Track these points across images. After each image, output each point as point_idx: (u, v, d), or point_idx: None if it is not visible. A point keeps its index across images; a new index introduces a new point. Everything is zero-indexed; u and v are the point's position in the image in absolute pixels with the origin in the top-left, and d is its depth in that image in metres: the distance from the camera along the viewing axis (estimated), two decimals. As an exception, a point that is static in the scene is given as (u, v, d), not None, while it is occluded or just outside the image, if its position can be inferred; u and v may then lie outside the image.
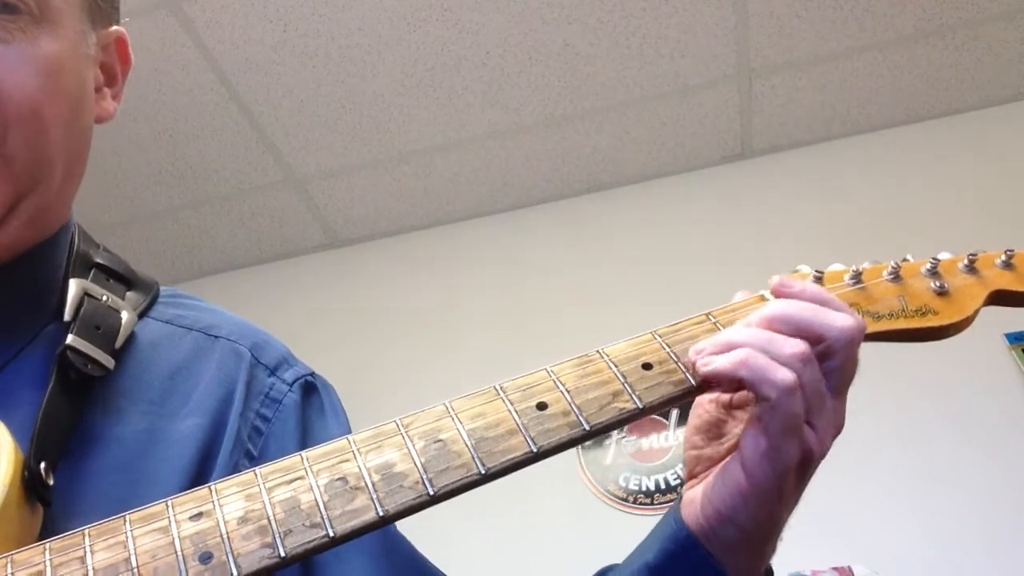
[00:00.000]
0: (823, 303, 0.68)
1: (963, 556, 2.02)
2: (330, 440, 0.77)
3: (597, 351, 0.69)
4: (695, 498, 0.69)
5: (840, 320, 0.66)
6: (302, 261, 3.06)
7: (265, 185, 2.80)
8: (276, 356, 0.83)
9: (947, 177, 2.58)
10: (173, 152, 2.66)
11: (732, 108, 2.64)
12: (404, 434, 0.62)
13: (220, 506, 0.58)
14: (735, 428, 0.70)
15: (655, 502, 2.31)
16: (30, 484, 0.62)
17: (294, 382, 0.81)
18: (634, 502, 2.32)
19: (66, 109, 0.72)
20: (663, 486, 2.33)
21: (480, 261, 2.88)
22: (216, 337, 0.82)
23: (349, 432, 0.82)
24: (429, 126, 2.63)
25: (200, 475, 0.71)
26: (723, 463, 0.68)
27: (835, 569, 1.99)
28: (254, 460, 0.75)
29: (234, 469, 0.72)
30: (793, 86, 2.58)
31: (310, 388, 0.83)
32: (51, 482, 0.64)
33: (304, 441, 0.78)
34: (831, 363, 0.65)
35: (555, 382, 0.65)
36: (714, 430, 0.71)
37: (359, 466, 0.60)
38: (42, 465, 0.64)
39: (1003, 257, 0.78)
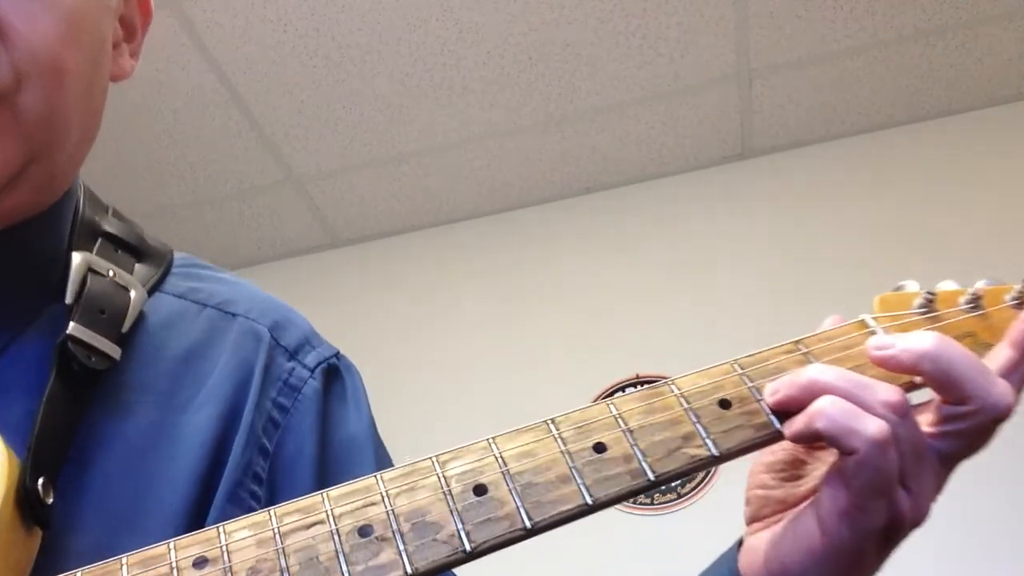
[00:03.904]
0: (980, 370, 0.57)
1: (963, 556, 2.02)
2: (347, 434, 0.72)
3: (666, 382, 0.59)
4: (758, 547, 0.60)
5: (1000, 389, 0.56)
6: (302, 261, 3.06)
7: (265, 185, 2.80)
8: (298, 336, 0.76)
9: (947, 177, 2.58)
10: (173, 152, 2.66)
11: (732, 108, 2.64)
12: (440, 475, 0.54)
13: (228, 552, 0.51)
14: (816, 470, 0.61)
15: (655, 502, 2.31)
16: (26, 504, 0.56)
17: (316, 367, 0.74)
18: (634, 502, 2.32)
19: (86, 63, 0.64)
20: (663, 486, 2.33)
21: (480, 261, 2.88)
22: (233, 315, 0.74)
23: (368, 423, 0.75)
24: (429, 126, 2.63)
25: (211, 476, 0.66)
26: (796, 511, 0.59)
27: (835, 569, 1.98)
28: (269, 457, 0.69)
29: (247, 468, 0.67)
30: (793, 86, 2.58)
31: (333, 373, 0.76)
32: (50, 500, 0.58)
33: (324, 438, 0.71)
34: (959, 425, 0.57)
35: (616, 419, 0.57)
36: (789, 470, 0.62)
37: (387, 512, 0.52)
38: (40, 482, 0.57)
39: None
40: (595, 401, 0.62)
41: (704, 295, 2.56)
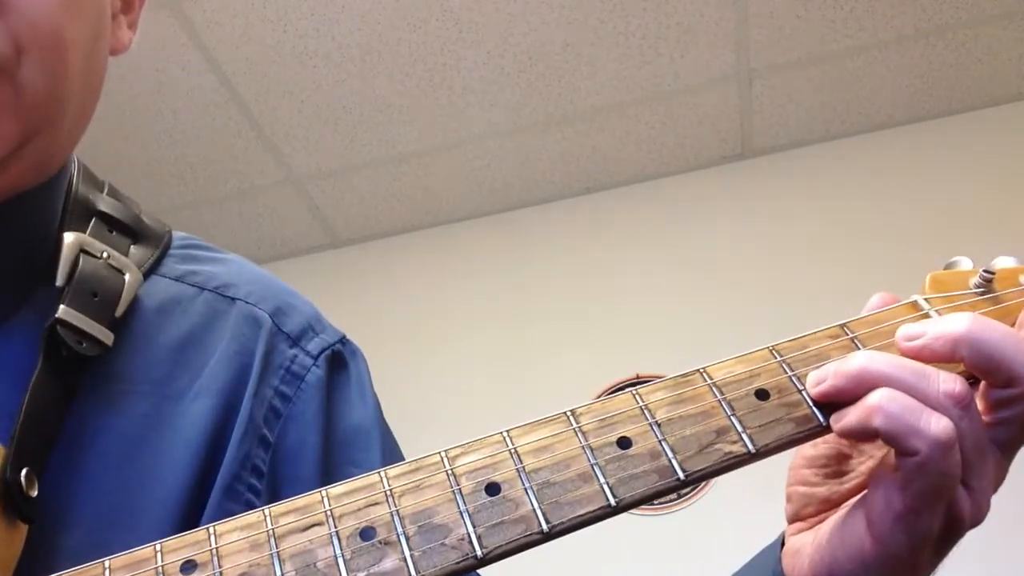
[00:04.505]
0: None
1: (961, 559, 2.02)
2: (352, 423, 0.69)
3: (698, 371, 0.54)
4: (802, 550, 0.56)
5: None
6: (302, 261, 3.06)
7: (265, 185, 2.80)
8: (301, 322, 0.72)
9: (947, 177, 2.58)
10: (173, 152, 2.66)
11: (732, 108, 2.64)
12: (449, 472, 0.50)
13: (219, 556, 0.48)
14: (861, 465, 0.57)
15: (655, 502, 2.31)
16: (7, 497, 0.53)
17: (319, 354, 0.71)
18: (634, 502, 2.32)
19: (87, 35, 0.61)
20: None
21: (480, 261, 2.88)
22: (232, 299, 0.71)
23: (374, 410, 0.73)
24: (429, 126, 2.63)
25: (208, 469, 0.63)
26: (843, 512, 0.54)
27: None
28: (270, 448, 0.66)
29: (245, 460, 0.64)
30: (793, 86, 2.58)
31: (337, 360, 0.73)
32: (34, 494, 0.55)
33: (328, 427, 0.69)
34: (1011, 411, 0.51)
35: (642, 411, 0.52)
36: (832, 465, 0.57)
37: (391, 512, 0.48)
38: (23, 473, 0.54)
39: None
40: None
41: (704, 295, 2.56)
